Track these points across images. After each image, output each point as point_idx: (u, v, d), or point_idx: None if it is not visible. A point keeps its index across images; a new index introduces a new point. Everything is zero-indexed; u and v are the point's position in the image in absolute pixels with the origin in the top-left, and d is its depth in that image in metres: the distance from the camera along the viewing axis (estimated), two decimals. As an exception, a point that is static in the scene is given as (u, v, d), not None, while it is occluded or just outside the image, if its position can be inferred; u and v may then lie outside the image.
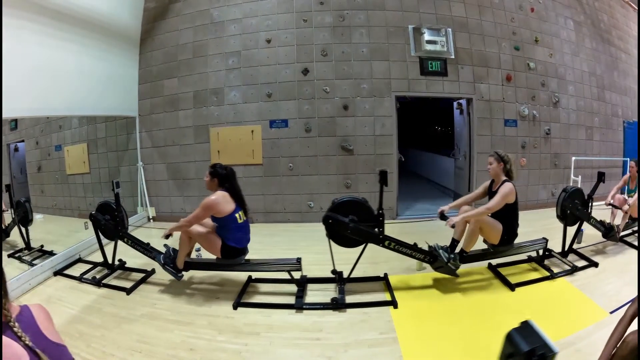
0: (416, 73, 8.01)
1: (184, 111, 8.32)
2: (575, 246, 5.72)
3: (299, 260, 4.69)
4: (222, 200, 4.38)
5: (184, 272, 4.86)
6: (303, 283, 4.84)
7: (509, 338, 1.50)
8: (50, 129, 7.04)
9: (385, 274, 5.02)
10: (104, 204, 5.35)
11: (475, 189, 5.11)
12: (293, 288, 4.82)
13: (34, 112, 5.82)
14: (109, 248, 5.45)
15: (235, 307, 4.40)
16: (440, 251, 4.64)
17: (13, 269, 5.04)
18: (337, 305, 4.34)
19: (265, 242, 6.79)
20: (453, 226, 4.47)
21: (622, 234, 5.95)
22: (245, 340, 3.77)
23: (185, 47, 8.32)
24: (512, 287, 4.66)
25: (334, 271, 4.72)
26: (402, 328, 3.91)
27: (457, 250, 4.77)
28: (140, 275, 5.31)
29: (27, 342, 1.40)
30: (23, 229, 5.91)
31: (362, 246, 4.61)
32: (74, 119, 7.36)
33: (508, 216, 4.62)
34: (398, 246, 4.61)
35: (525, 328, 1.48)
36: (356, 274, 4.88)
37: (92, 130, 7.88)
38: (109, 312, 4.35)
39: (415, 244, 4.70)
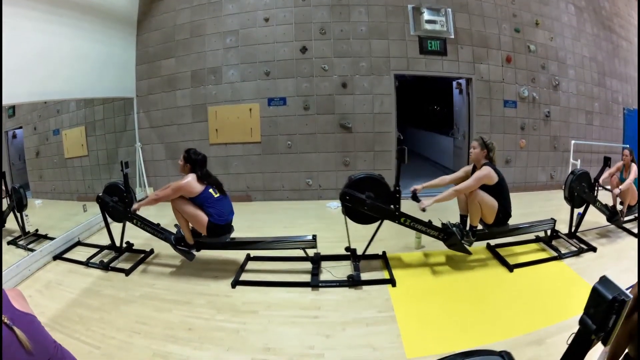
0: (415, 52, 7.97)
1: (181, 91, 8.28)
2: (573, 229, 5.73)
3: (314, 237, 4.68)
4: (192, 182, 4.44)
5: (195, 253, 4.83)
6: (317, 261, 4.84)
7: (595, 290, 1.70)
8: (48, 113, 6.97)
9: (384, 252, 5.03)
10: (111, 185, 5.28)
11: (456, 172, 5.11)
12: (292, 266, 4.84)
13: (31, 98, 5.76)
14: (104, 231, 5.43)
15: (233, 286, 4.41)
16: (455, 229, 4.66)
17: (13, 256, 4.99)
18: (354, 282, 4.36)
19: (264, 219, 6.80)
20: (424, 210, 4.47)
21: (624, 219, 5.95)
22: (244, 319, 3.77)
23: (182, 27, 8.26)
24: (510, 268, 4.67)
25: (347, 248, 4.76)
26: (400, 306, 3.92)
27: (467, 227, 4.80)
28: (139, 256, 5.29)
29: (5, 321, 1.42)
30: (18, 215, 5.84)
31: (377, 223, 4.64)
32: (72, 103, 7.29)
33: (496, 197, 4.60)
34: (413, 223, 4.64)
35: (605, 282, 1.70)
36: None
37: (90, 112, 7.82)
38: (107, 294, 4.34)
39: (430, 221, 4.71)
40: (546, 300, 3.96)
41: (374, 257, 5.01)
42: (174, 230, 4.93)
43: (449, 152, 10.41)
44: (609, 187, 6.01)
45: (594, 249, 5.16)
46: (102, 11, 7.07)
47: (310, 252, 4.77)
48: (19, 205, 5.84)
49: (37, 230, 5.95)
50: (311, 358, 3.19)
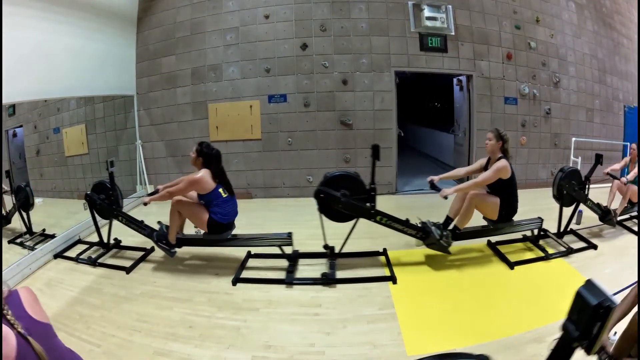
0: (416, 49, 7.96)
1: (182, 88, 8.28)
2: (574, 227, 5.71)
3: (289, 235, 4.70)
4: (206, 177, 4.40)
5: (177, 249, 4.86)
6: (294, 258, 4.85)
7: (579, 295, 1.60)
8: (49, 112, 6.97)
9: (385, 249, 5.02)
10: (98, 183, 5.35)
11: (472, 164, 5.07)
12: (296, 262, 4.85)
13: (31, 96, 5.76)
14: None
15: (234, 283, 4.41)
16: (433, 228, 4.61)
17: (14, 255, 4.99)
18: (327, 280, 4.35)
19: (265, 217, 6.80)
20: (445, 197, 4.46)
21: (620, 218, 5.91)
22: (245, 317, 3.78)
23: (182, 24, 8.25)
24: (511, 265, 4.66)
25: (325, 246, 4.73)
26: (401, 304, 3.92)
27: (451, 227, 4.76)
28: (138, 254, 5.28)
29: (19, 330, 1.33)
30: (24, 214, 5.83)
31: (353, 221, 4.62)
32: (72, 101, 7.29)
33: (504, 192, 4.59)
34: (389, 221, 4.59)
35: (590, 285, 1.60)
36: (355, 248, 4.91)
37: (90, 110, 7.82)
38: (108, 292, 4.35)
39: (407, 220, 4.67)
40: (547, 297, 3.96)
41: (375, 253, 5.01)
42: (156, 227, 4.98)
43: (449, 149, 10.40)
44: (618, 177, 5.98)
45: (594, 247, 5.15)
46: (102, 9, 7.06)
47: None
48: (25, 204, 5.82)
49: (44, 230, 5.93)
50: (312, 356, 3.19)
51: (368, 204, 4.50)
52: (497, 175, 4.46)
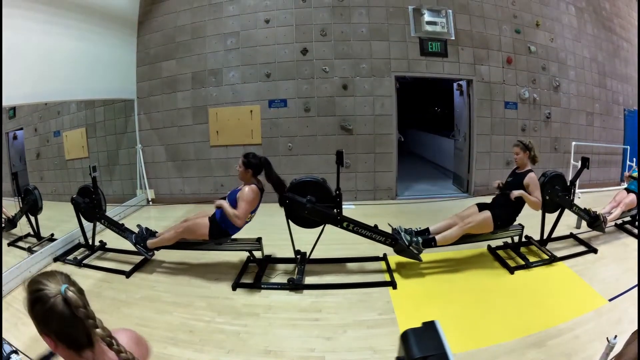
0: (416, 53, 7.98)
1: (182, 92, 8.30)
2: (574, 231, 5.72)
3: (259, 240, 4.75)
4: (258, 198, 4.48)
5: (155, 251, 4.88)
6: (265, 262, 4.88)
7: (404, 338, 1.23)
8: (49, 115, 7.00)
9: (385, 254, 4.99)
10: (83, 187, 5.44)
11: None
12: (291, 267, 4.86)
13: (32, 99, 5.79)
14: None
15: (234, 288, 4.40)
16: (403, 234, 4.55)
17: (14, 257, 4.99)
18: (294, 286, 4.35)
19: (264, 222, 6.77)
20: (514, 199, 4.51)
21: (619, 221, 5.94)
22: (245, 322, 3.78)
23: (183, 28, 8.27)
24: (511, 270, 4.64)
25: (297, 252, 4.76)
26: (401, 309, 3.92)
27: (428, 237, 4.71)
28: (137, 258, 5.23)
29: None
30: (32, 218, 5.85)
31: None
32: (72, 104, 7.33)
33: (519, 203, 4.64)
34: (356, 227, 4.56)
35: (427, 330, 1.25)
36: (355, 253, 4.97)
37: (91, 114, 7.85)
38: (108, 296, 4.34)
39: (375, 226, 4.64)
40: (547, 302, 3.96)
41: (375, 259, 5.00)
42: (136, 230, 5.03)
43: (449, 153, 10.38)
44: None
45: (594, 250, 5.14)
46: (103, 13, 7.08)
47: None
48: (34, 208, 5.82)
49: (52, 234, 5.92)
50: (312, 360, 3.18)
51: (335, 210, 4.49)
52: (539, 189, 4.58)
